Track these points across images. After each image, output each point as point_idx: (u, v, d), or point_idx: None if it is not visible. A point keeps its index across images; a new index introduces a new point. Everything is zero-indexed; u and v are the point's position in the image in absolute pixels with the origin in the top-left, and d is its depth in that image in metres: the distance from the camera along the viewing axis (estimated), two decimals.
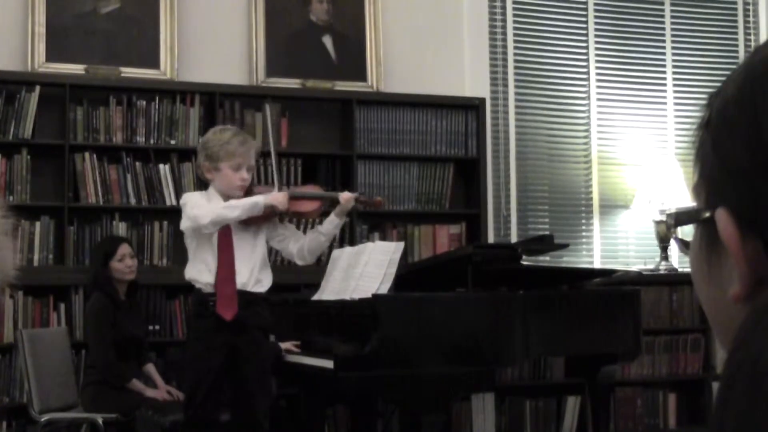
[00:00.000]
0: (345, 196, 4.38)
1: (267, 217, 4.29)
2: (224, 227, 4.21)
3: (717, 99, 0.71)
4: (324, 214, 4.54)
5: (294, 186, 5.30)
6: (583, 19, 6.62)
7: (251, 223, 4.26)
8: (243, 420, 4.25)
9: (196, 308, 4.32)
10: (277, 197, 4.20)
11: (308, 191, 4.58)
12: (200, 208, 4.16)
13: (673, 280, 6.19)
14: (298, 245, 4.40)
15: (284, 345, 4.51)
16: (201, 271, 4.22)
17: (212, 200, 4.26)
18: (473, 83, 6.23)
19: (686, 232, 0.79)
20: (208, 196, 4.30)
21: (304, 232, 4.80)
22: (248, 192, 4.31)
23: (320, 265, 5.23)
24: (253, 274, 4.22)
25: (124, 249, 4.99)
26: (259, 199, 4.18)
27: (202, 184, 5.49)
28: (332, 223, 4.41)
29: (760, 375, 0.61)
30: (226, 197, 4.25)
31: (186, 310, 5.41)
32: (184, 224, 4.24)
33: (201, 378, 4.22)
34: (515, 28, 6.45)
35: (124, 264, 4.96)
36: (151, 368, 5.09)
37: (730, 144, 0.68)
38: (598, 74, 6.63)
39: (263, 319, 4.27)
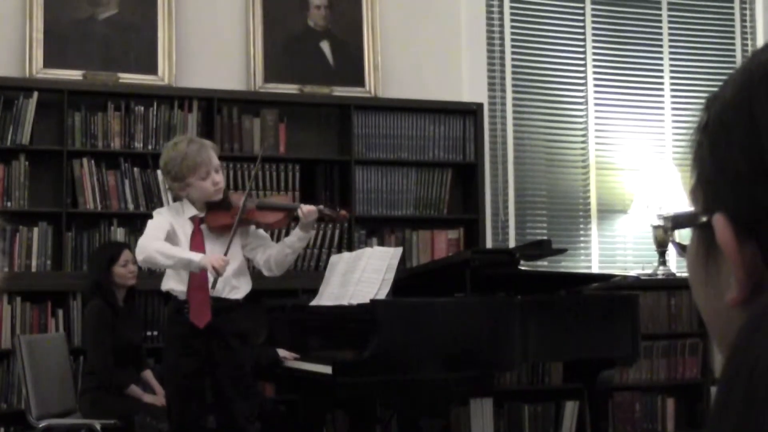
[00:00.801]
0: (305, 209, 4.27)
1: (240, 224, 4.26)
2: (195, 236, 4.21)
3: (715, 102, 0.71)
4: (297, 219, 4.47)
5: (263, 196, 5.22)
6: (581, 24, 6.63)
7: (223, 231, 4.24)
8: (225, 425, 4.25)
9: (172, 316, 4.30)
10: (213, 261, 4.01)
11: (274, 202, 4.50)
12: (147, 239, 4.13)
13: (671, 285, 6.19)
14: (265, 257, 4.34)
15: (282, 353, 4.49)
16: (175, 280, 4.21)
17: (185, 211, 4.26)
18: (471, 88, 6.23)
19: (684, 235, 0.79)
20: (182, 207, 4.28)
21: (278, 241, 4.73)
22: (223, 199, 4.26)
23: (318, 270, 5.23)
24: (228, 280, 4.20)
25: (127, 254, 4.99)
26: (195, 259, 4.05)
27: None
28: (296, 236, 4.34)
29: (758, 380, 0.61)
30: (201, 204, 4.24)
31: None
32: None
33: (176, 385, 4.23)
34: (513, 33, 6.46)
35: (127, 269, 4.96)
36: (148, 374, 5.09)
37: (727, 148, 0.68)
38: (595, 79, 6.63)
39: (239, 325, 4.24)
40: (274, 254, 4.34)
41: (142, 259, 4.14)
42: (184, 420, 4.21)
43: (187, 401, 4.20)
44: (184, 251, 4.12)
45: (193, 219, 4.25)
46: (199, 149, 4.17)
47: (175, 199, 4.54)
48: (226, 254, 4.11)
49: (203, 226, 4.24)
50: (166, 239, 4.16)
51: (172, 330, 4.32)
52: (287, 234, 4.77)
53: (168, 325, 4.42)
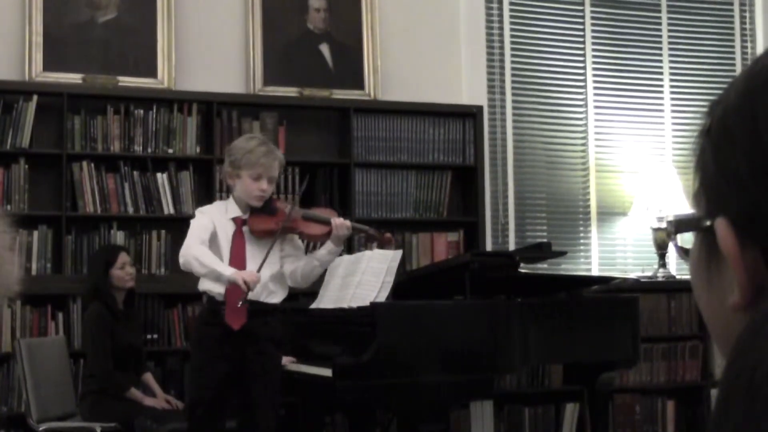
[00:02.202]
0: (337, 221, 4.28)
1: (284, 231, 4.27)
2: (237, 238, 4.22)
3: (718, 107, 0.72)
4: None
5: (311, 207, 5.18)
6: (580, 26, 6.63)
7: (267, 236, 4.23)
8: (247, 430, 4.24)
9: (206, 316, 4.29)
10: (246, 277, 4.02)
11: (320, 215, 4.46)
12: (190, 239, 4.16)
13: (671, 288, 6.18)
14: (293, 267, 4.33)
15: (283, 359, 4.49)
16: (213, 281, 4.20)
17: (229, 210, 4.27)
18: (470, 91, 6.23)
19: (686, 238, 0.79)
20: (226, 206, 4.31)
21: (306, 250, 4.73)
22: (267, 204, 4.29)
23: None
24: (266, 284, 4.21)
25: (124, 257, 5.00)
26: (225, 273, 4.06)
27: (201, 195, 5.50)
28: (326, 249, 4.33)
29: (758, 385, 0.61)
30: (245, 205, 4.26)
31: (185, 318, 5.41)
32: None
33: (203, 387, 4.21)
34: (512, 36, 6.46)
35: (124, 272, 4.96)
36: (149, 377, 5.09)
37: (730, 153, 0.69)
38: (595, 82, 6.63)
39: (274, 330, 4.23)
40: (302, 266, 4.32)
41: (182, 262, 4.15)
42: (206, 423, 4.19)
43: (211, 405, 4.18)
44: (217, 263, 4.11)
45: (235, 220, 4.26)
46: (266, 153, 4.22)
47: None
48: (264, 261, 4.13)
49: (245, 229, 4.25)
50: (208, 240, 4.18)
51: (204, 331, 4.27)
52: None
53: (200, 325, 4.39)
